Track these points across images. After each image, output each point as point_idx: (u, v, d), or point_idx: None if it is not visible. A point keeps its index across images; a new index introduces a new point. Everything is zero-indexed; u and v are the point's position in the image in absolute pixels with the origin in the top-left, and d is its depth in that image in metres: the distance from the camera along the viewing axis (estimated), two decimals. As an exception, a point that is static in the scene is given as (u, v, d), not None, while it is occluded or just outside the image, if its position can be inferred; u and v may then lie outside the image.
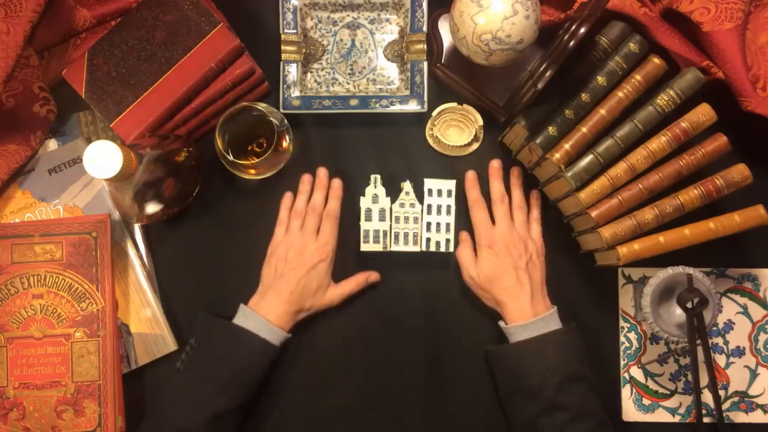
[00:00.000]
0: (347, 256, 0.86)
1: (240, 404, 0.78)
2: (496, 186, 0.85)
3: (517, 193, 0.85)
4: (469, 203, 0.85)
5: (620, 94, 0.77)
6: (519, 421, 0.79)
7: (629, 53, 0.77)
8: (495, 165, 0.86)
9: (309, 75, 0.88)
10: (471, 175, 0.86)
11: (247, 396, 0.80)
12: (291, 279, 0.81)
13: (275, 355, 0.80)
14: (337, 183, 0.86)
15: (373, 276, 0.86)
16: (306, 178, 0.87)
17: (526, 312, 0.79)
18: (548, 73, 0.72)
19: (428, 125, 0.88)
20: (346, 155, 0.88)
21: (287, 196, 0.87)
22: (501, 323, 0.81)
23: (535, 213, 0.85)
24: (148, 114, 0.79)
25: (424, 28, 0.85)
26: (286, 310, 0.80)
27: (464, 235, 0.86)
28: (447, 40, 0.86)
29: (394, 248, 0.84)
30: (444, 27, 0.86)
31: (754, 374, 0.86)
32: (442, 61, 0.86)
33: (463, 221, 0.86)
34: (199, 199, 0.85)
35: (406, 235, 0.84)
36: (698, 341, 0.76)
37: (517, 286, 0.80)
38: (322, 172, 0.87)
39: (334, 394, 0.85)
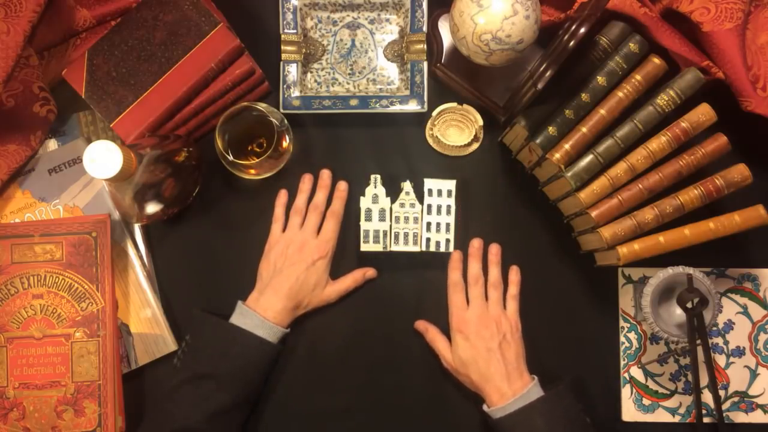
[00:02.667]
0: (347, 256, 0.86)
1: (243, 401, 0.79)
2: (473, 267, 0.84)
3: (494, 271, 0.84)
4: (448, 284, 0.85)
5: (620, 94, 0.77)
6: None
7: (629, 53, 0.77)
8: (475, 245, 0.85)
9: (309, 75, 0.88)
10: (456, 256, 0.85)
11: (250, 392, 0.80)
12: (290, 275, 0.81)
13: (274, 351, 0.80)
14: (343, 185, 0.86)
15: (369, 272, 0.86)
16: (307, 177, 0.87)
17: (505, 393, 0.78)
18: (548, 73, 0.72)
19: (428, 125, 0.88)
20: (346, 155, 0.88)
21: (282, 193, 0.87)
22: (484, 407, 0.80)
23: (513, 290, 0.84)
24: (148, 114, 0.79)
25: (424, 28, 0.85)
26: (285, 305, 0.81)
27: (422, 325, 0.85)
28: (447, 40, 0.86)
29: (394, 248, 0.84)
30: (444, 27, 0.86)
31: (754, 374, 0.86)
32: (442, 61, 0.86)
33: (464, 222, 0.86)
34: (199, 199, 0.85)
35: (406, 235, 0.84)
36: (698, 341, 0.76)
37: (492, 368, 0.79)
38: (326, 173, 0.87)
39: (334, 394, 0.85)
